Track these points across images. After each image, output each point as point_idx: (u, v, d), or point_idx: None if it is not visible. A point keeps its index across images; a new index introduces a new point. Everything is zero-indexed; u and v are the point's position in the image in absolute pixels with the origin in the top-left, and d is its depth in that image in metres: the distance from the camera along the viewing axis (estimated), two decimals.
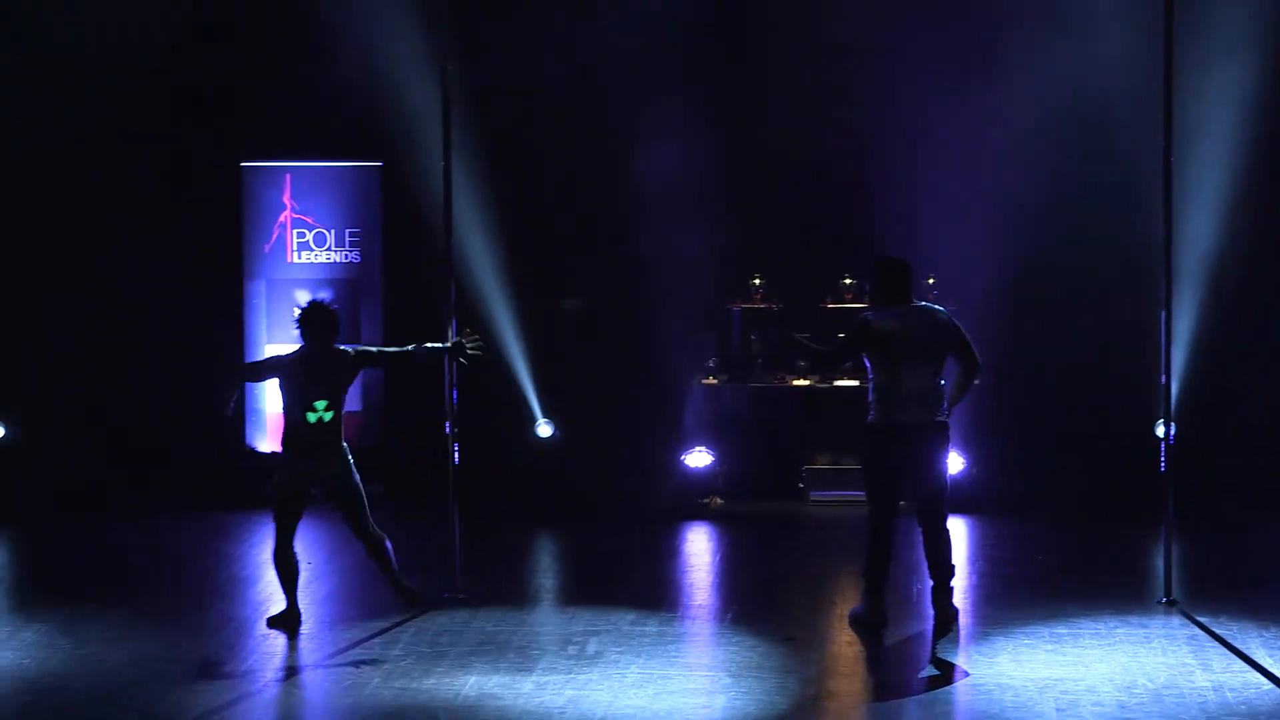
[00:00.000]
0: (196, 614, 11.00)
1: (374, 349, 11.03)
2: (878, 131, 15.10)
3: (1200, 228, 14.54)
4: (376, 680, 9.33)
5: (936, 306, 10.63)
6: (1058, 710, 8.77)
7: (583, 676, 9.39)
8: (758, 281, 15.41)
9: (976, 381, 10.64)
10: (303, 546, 13.69)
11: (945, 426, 10.46)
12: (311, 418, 10.53)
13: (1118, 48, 14.28)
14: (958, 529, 13.57)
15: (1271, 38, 14.58)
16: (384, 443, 15.65)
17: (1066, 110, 14.84)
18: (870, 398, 10.47)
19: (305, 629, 10.58)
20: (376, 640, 10.19)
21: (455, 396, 11.37)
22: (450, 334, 11.23)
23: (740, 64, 15.45)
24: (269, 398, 15.49)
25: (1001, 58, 14.80)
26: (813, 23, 15.27)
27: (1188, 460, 13.00)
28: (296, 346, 10.68)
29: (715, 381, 15.37)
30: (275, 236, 15.60)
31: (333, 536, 14.25)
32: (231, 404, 10.70)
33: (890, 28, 15.12)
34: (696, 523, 14.45)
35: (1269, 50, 14.59)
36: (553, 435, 15.47)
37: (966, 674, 9.49)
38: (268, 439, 15.55)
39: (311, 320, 10.63)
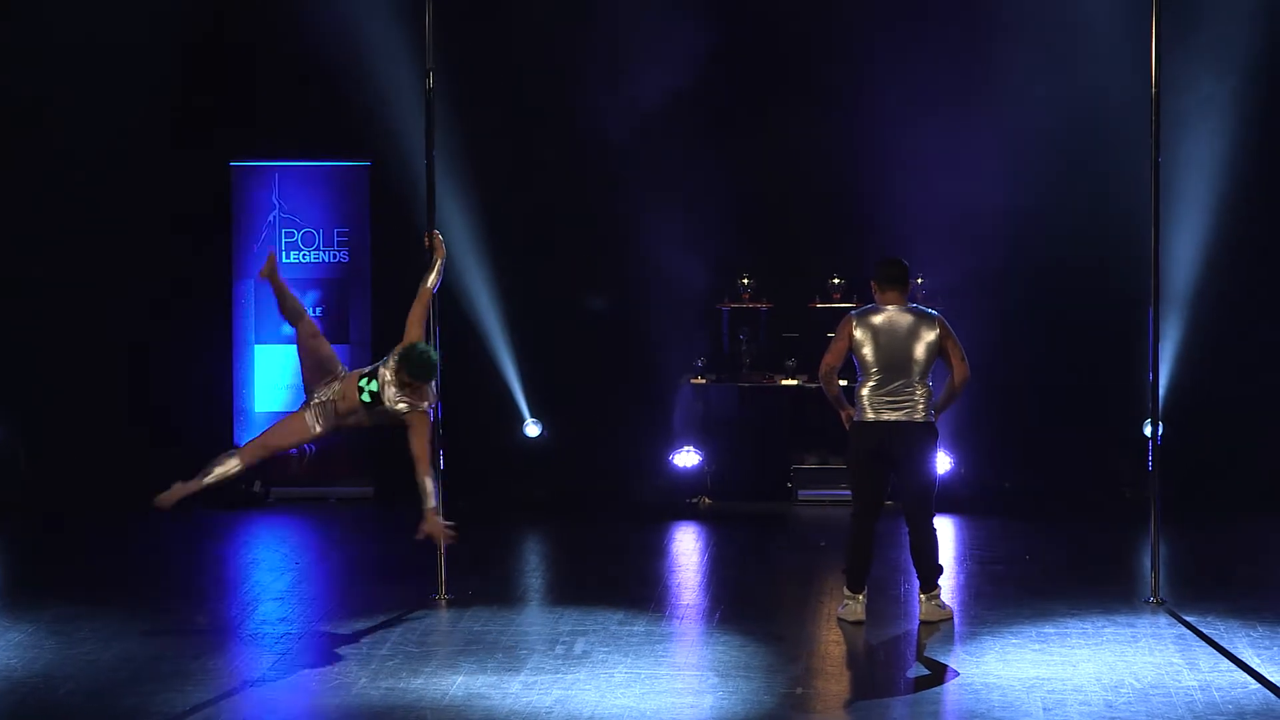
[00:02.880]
0: (184, 614, 10.98)
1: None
2: (869, 133, 15.08)
3: (1186, 230, 14.59)
4: (364, 680, 9.33)
5: (928, 309, 10.63)
6: (1045, 710, 8.78)
7: (570, 676, 9.38)
8: (746, 281, 15.39)
9: (966, 386, 10.61)
10: (290, 548, 13.77)
11: (931, 426, 10.48)
12: None
13: (1107, 57, 14.31)
14: (945, 529, 13.58)
15: (1259, 48, 14.64)
16: (371, 444, 15.63)
17: (1056, 114, 14.85)
18: (857, 395, 10.50)
19: (292, 629, 10.57)
20: (364, 640, 10.18)
21: (440, 400, 11.36)
22: (435, 338, 11.30)
23: (733, 66, 15.41)
24: (257, 397, 15.48)
25: (992, 66, 14.82)
26: (807, 29, 15.27)
27: (1175, 459, 13.04)
28: None
29: (704, 381, 15.36)
30: (264, 236, 15.58)
31: (320, 536, 14.27)
32: None
33: (883, 35, 15.12)
34: (684, 522, 14.44)
35: (1257, 61, 14.66)
36: (540, 435, 15.46)
37: (954, 673, 9.50)
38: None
39: None
